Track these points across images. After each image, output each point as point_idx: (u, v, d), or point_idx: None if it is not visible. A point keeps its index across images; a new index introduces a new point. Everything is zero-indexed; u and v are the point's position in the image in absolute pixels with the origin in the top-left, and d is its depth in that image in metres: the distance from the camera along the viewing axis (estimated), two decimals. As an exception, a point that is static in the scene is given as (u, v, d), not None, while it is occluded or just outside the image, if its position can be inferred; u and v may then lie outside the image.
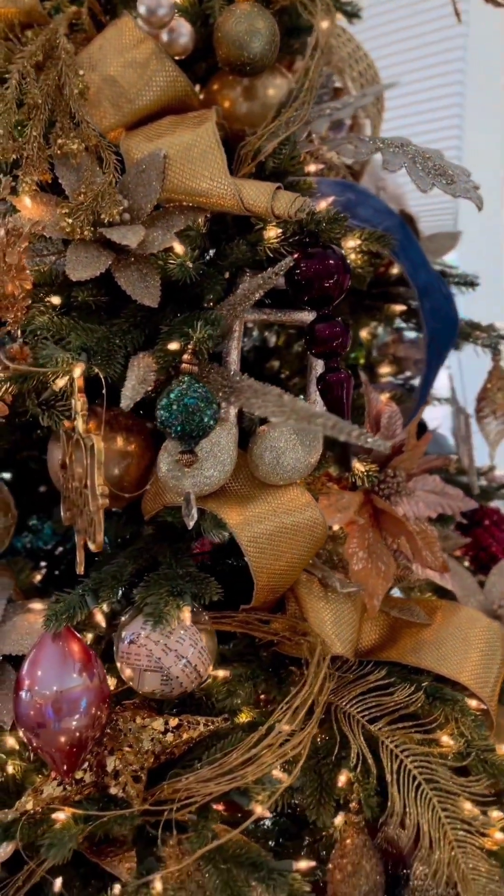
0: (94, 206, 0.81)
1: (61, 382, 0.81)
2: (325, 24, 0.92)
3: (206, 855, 0.75)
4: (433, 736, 0.82)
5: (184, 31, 0.86)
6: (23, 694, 0.78)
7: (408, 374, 1.35)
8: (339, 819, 0.83)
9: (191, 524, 0.78)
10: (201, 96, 0.98)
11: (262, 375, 1.10)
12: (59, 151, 0.83)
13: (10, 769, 0.93)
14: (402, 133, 0.93)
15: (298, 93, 0.87)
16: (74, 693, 0.77)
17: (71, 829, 0.72)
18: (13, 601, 0.95)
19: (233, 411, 0.84)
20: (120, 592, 0.85)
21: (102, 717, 0.80)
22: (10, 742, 0.84)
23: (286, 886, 0.73)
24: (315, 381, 0.89)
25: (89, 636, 0.93)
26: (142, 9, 0.87)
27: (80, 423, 0.76)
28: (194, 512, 0.78)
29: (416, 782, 0.79)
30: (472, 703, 0.87)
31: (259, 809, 0.75)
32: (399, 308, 1.06)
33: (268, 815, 0.75)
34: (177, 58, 0.89)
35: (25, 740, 0.79)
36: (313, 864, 0.79)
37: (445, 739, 0.82)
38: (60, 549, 1.09)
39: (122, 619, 0.86)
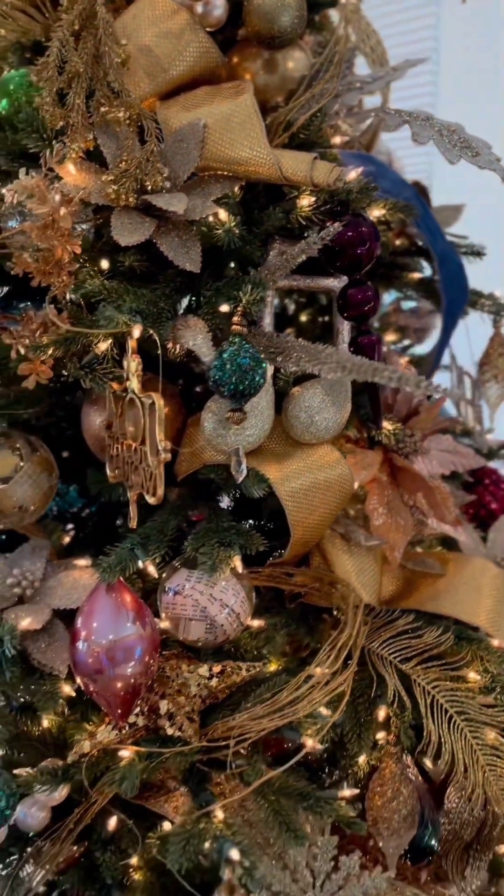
0: (137, 174, 0.83)
1: (103, 346, 0.84)
2: (353, -2, 0.95)
3: (256, 788, 0.80)
4: (461, 672, 0.88)
5: (218, 3, 0.89)
6: (79, 644, 0.81)
7: (406, 342, 1.40)
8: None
9: (240, 478, 0.82)
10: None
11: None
12: (101, 120, 0.85)
13: (45, 723, 0.97)
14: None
15: (329, 65, 0.90)
16: (128, 641, 0.81)
17: (137, 764, 0.77)
18: (50, 562, 0.98)
19: (269, 372, 0.88)
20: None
21: (154, 665, 0.84)
22: (66, 689, 0.88)
23: (333, 812, 0.79)
24: (343, 346, 0.94)
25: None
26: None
27: (135, 383, 0.79)
28: (244, 467, 0.82)
29: (447, 714, 0.85)
30: (495, 642, 0.94)
31: (310, 742, 0.80)
32: (416, 276, 1.10)
33: (319, 747, 0.80)
34: (209, 29, 0.91)
35: (83, 686, 0.82)
36: (356, 791, 0.85)
37: (472, 675, 0.88)
38: (86, 511, 1.11)
39: (164, 573, 0.90)
